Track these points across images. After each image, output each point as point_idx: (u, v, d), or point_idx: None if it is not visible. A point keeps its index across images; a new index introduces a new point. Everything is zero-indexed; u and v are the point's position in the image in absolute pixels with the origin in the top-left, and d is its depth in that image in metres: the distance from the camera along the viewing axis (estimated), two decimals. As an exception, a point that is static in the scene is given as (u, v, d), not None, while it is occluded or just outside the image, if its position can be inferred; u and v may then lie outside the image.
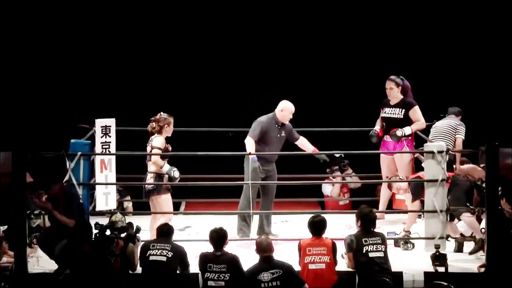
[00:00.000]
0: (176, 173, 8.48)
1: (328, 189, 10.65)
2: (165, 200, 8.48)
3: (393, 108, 9.43)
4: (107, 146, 8.85)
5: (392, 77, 9.47)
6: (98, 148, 8.85)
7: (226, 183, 9.00)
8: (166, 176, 8.48)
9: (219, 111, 11.78)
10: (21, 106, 11.63)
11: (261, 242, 7.48)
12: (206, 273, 7.37)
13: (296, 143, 9.32)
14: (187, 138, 9.20)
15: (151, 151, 8.51)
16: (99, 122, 8.90)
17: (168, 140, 8.68)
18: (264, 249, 7.41)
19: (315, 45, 12.07)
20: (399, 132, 9.28)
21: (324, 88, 12.06)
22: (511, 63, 11.62)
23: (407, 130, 9.31)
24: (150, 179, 8.48)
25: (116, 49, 11.88)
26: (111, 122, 8.92)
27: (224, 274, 7.34)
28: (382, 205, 9.68)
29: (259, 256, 7.42)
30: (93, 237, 7.66)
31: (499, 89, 11.64)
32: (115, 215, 7.78)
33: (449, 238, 8.33)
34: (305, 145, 9.31)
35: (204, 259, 7.44)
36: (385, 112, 9.51)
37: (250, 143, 8.99)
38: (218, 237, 7.54)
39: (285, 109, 9.10)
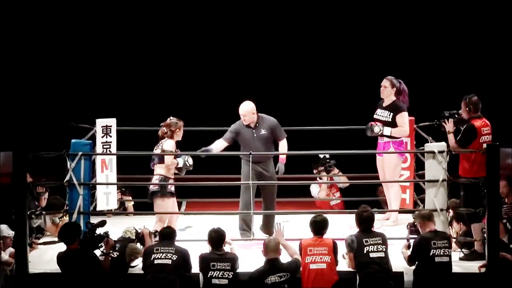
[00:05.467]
0: (190, 160, 8.62)
1: (315, 190, 10.62)
2: (166, 204, 8.49)
3: (384, 111, 9.38)
4: (108, 146, 8.87)
5: (389, 77, 9.43)
6: (98, 148, 8.86)
7: (226, 183, 9.01)
8: (172, 180, 8.53)
9: (219, 110, 11.77)
10: (21, 106, 11.63)
11: (268, 243, 7.50)
12: (210, 272, 7.39)
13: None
14: (187, 137, 9.18)
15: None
16: (100, 122, 8.92)
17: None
18: (272, 250, 7.41)
19: (307, 45, 12.09)
20: (376, 129, 9.25)
21: (317, 87, 12.07)
22: (510, 63, 11.63)
23: (387, 130, 9.26)
24: (155, 181, 8.51)
25: (117, 49, 11.89)
26: (111, 122, 8.93)
27: (228, 272, 7.38)
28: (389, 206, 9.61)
29: (265, 258, 7.43)
30: (82, 235, 7.69)
31: (499, 89, 11.64)
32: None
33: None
34: (281, 150, 9.13)
35: (206, 259, 7.45)
36: (376, 114, 9.45)
37: (216, 141, 9.06)
38: (218, 236, 7.56)
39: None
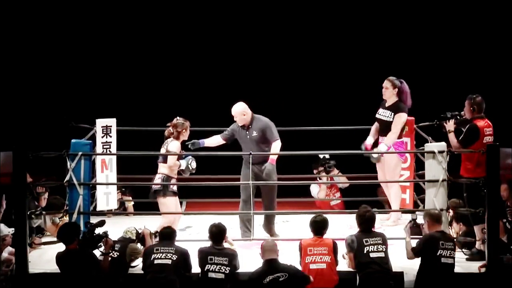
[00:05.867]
0: (193, 163, 8.62)
1: (315, 190, 10.62)
2: (168, 203, 8.51)
3: (385, 110, 9.38)
4: (108, 146, 8.88)
5: (391, 77, 9.41)
6: (98, 148, 8.87)
7: (226, 183, 9.01)
8: (174, 180, 8.54)
9: (218, 110, 11.77)
10: (21, 106, 11.63)
11: (265, 244, 7.51)
12: (207, 265, 7.41)
13: None
14: (191, 138, 9.19)
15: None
16: (100, 122, 8.93)
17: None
18: (268, 250, 7.41)
19: (308, 45, 12.09)
20: (373, 160, 9.29)
21: (317, 87, 12.08)
22: (510, 63, 11.63)
23: (383, 148, 9.26)
24: (157, 179, 8.52)
25: (117, 49, 11.89)
26: (111, 122, 8.94)
27: (225, 267, 7.40)
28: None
29: (264, 259, 7.43)
30: (81, 235, 7.68)
31: (499, 89, 11.64)
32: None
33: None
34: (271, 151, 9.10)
35: (205, 253, 7.50)
36: (378, 113, 9.45)
37: (214, 136, 9.14)
38: (218, 231, 7.59)
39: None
